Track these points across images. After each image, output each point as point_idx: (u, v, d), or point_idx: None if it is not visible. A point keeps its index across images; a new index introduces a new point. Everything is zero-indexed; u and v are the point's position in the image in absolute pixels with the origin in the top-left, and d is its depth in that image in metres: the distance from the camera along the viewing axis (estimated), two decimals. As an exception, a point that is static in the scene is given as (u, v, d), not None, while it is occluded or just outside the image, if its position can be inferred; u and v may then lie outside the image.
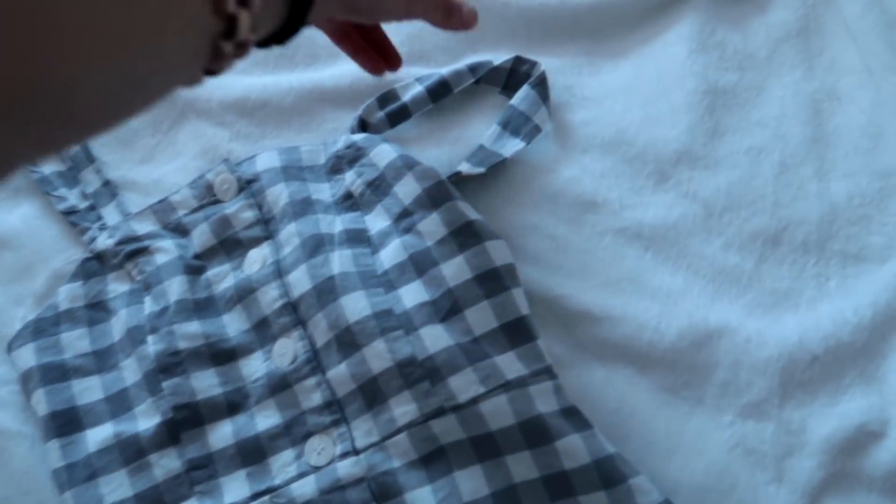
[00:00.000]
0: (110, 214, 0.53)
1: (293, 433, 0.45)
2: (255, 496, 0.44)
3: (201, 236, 0.51)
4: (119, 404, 0.47)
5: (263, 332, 0.48)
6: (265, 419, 0.46)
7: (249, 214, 0.51)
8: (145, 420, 0.45)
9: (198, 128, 0.57)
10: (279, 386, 0.46)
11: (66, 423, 0.46)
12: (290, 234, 0.49)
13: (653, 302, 0.49)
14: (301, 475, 0.44)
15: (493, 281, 0.46)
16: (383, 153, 0.51)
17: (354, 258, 0.48)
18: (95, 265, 0.51)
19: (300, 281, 0.47)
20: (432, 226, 0.48)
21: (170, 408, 0.45)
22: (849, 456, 0.45)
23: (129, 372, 0.47)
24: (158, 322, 0.47)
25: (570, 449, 0.42)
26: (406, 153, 0.51)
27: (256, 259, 0.49)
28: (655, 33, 0.59)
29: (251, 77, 0.59)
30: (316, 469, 0.44)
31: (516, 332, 0.45)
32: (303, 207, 0.50)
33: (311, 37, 0.56)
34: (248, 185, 0.52)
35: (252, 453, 0.45)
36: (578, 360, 0.48)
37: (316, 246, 0.48)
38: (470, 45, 0.59)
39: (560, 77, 0.57)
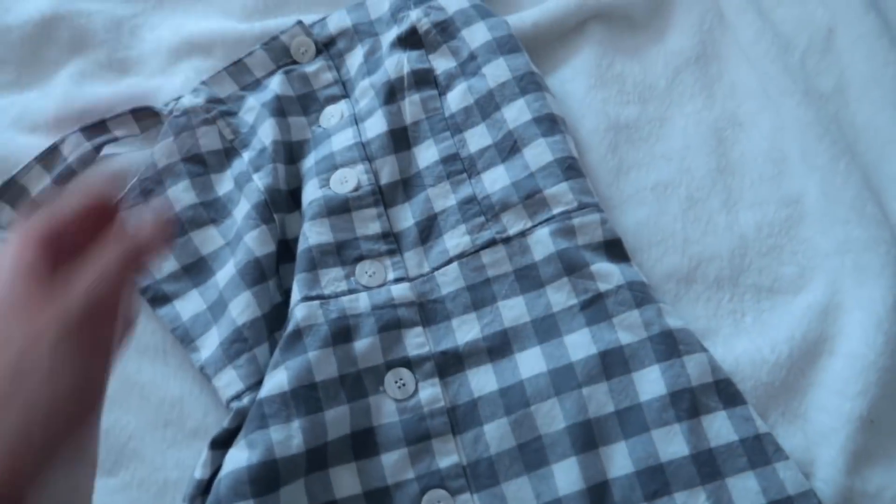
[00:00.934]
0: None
1: (343, 255, 0.49)
2: (306, 298, 0.47)
3: (281, 88, 0.54)
4: (236, 244, 0.49)
5: (323, 164, 0.51)
6: (318, 235, 0.49)
7: (328, 76, 0.55)
8: (261, 247, 0.48)
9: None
10: (337, 209, 0.49)
11: (199, 272, 0.50)
12: (366, 88, 0.54)
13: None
14: (352, 291, 0.47)
15: (551, 123, 0.50)
16: (454, 0, 0.54)
17: (423, 103, 0.52)
18: (183, 121, 0.53)
19: (375, 125, 0.52)
20: (497, 70, 0.51)
21: (277, 238, 0.49)
22: (776, 501, 0.44)
23: (240, 211, 0.50)
24: (260, 160, 0.51)
25: (604, 272, 0.47)
26: (481, 3, 0.54)
27: (334, 114, 0.54)
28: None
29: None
30: (367, 288, 0.48)
31: (569, 168, 0.49)
32: (376, 63, 0.54)
33: None
34: (325, 49, 0.56)
35: (306, 263, 0.48)
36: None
37: (390, 93, 0.52)
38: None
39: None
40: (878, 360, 0.45)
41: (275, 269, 0.49)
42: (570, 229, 0.48)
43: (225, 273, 0.49)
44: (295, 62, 0.56)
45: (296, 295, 0.47)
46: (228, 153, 0.53)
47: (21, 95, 0.59)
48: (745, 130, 0.55)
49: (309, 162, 0.52)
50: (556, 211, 0.49)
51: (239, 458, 0.42)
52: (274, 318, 0.48)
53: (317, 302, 0.47)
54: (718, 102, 0.56)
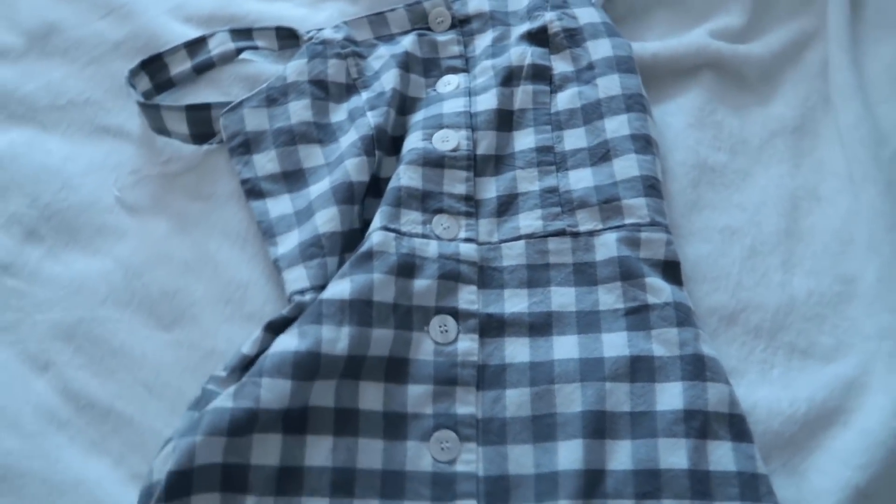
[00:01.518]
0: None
1: (426, 203, 0.53)
2: (385, 228, 0.51)
3: (411, 47, 0.59)
4: (336, 166, 0.54)
5: (430, 121, 0.56)
6: (409, 179, 0.53)
7: (456, 49, 0.60)
8: (358, 174, 0.53)
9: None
10: (432, 162, 0.54)
11: (295, 180, 0.55)
12: (486, 68, 0.58)
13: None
14: (425, 236, 0.51)
15: (646, 143, 0.54)
16: (587, 14, 0.59)
17: (534, 95, 0.56)
18: (319, 48, 0.59)
19: (486, 101, 0.56)
20: (610, 84, 0.56)
21: (373, 173, 0.54)
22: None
23: (346, 139, 0.55)
24: (377, 101, 0.56)
25: (656, 287, 0.50)
26: (611, 23, 0.59)
27: (451, 82, 0.58)
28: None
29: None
30: (439, 238, 0.52)
31: (651, 187, 0.53)
32: (502, 49, 0.59)
33: None
34: (459, 25, 0.61)
35: (393, 200, 0.52)
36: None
37: (508, 77, 0.57)
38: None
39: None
40: (888, 440, 0.47)
41: (363, 198, 0.54)
42: (636, 241, 0.51)
43: (318, 188, 0.54)
44: (429, 29, 0.61)
45: (376, 223, 0.51)
46: (349, 89, 0.58)
47: (183, -11, 0.66)
48: (821, 205, 0.57)
49: (417, 117, 0.57)
50: (628, 221, 0.52)
51: (289, 343, 0.46)
52: (349, 238, 0.52)
53: (393, 234, 0.51)
54: (803, 173, 0.59)
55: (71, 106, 0.60)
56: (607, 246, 0.51)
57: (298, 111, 0.56)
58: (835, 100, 0.60)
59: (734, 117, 0.61)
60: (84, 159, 0.58)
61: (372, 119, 0.55)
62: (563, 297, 0.50)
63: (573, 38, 0.58)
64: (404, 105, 0.58)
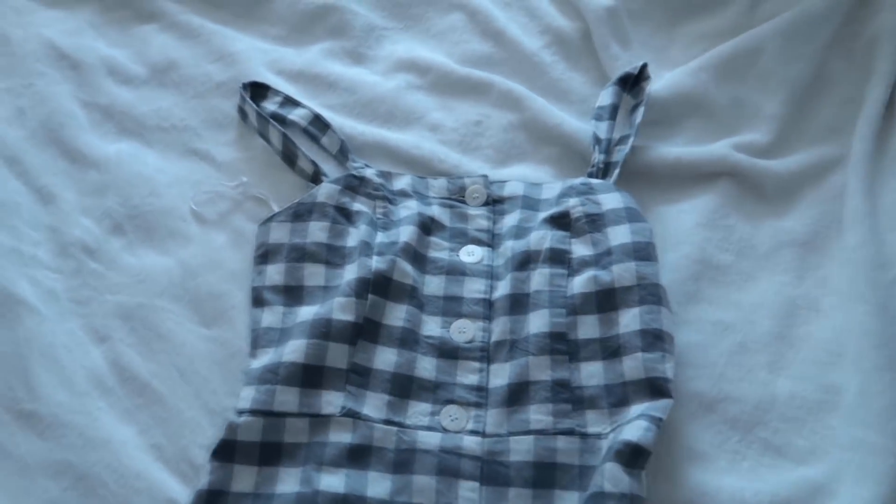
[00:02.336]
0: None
1: (438, 395, 0.54)
2: (387, 422, 0.52)
3: (439, 213, 0.63)
4: (330, 295, 0.57)
5: (451, 305, 0.58)
6: (423, 370, 0.55)
7: (485, 223, 0.63)
8: (340, 313, 0.55)
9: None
10: (447, 353, 0.56)
11: (294, 296, 0.58)
12: (507, 248, 0.60)
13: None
14: (430, 428, 0.52)
15: (656, 340, 0.54)
16: (612, 199, 0.61)
17: (551, 277, 0.57)
18: (355, 182, 0.63)
19: (503, 287, 0.58)
20: (625, 273, 0.56)
21: (362, 315, 0.55)
22: None
23: (348, 272, 0.58)
24: (388, 248, 0.59)
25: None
26: (635, 207, 0.60)
27: (475, 253, 0.61)
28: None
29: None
30: (444, 431, 0.52)
31: (657, 390, 0.52)
32: (524, 231, 0.61)
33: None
34: (493, 203, 0.64)
35: (400, 388, 0.54)
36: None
37: (523, 262, 0.59)
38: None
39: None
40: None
41: (347, 337, 0.54)
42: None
43: (306, 312, 0.56)
44: (464, 201, 0.64)
45: (377, 413, 0.52)
46: (371, 223, 0.61)
47: (281, 48, 0.77)
48: (818, 318, 0.60)
49: (439, 281, 0.59)
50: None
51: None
52: (312, 374, 0.53)
53: (395, 428, 0.52)
54: (805, 285, 0.62)
55: (172, 129, 0.71)
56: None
57: (316, 231, 0.60)
58: (846, 221, 0.63)
59: (746, 224, 0.64)
60: (172, 173, 0.67)
61: (376, 263, 0.57)
62: (567, 503, 0.49)
63: (595, 223, 0.59)
64: (415, 258, 0.59)
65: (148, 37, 0.76)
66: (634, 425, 0.50)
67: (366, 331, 0.56)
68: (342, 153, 0.67)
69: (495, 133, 0.70)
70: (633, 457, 0.48)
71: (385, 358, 0.55)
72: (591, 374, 0.54)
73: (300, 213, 0.61)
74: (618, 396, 0.53)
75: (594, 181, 0.63)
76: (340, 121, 0.70)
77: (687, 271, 0.62)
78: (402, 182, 0.65)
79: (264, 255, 0.60)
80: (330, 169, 0.67)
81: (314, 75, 0.74)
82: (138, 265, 0.62)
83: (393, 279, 0.57)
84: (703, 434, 0.55)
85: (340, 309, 0.55)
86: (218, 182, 0.66)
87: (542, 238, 0.59)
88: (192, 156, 0.69)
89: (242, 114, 0.70)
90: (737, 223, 0.65)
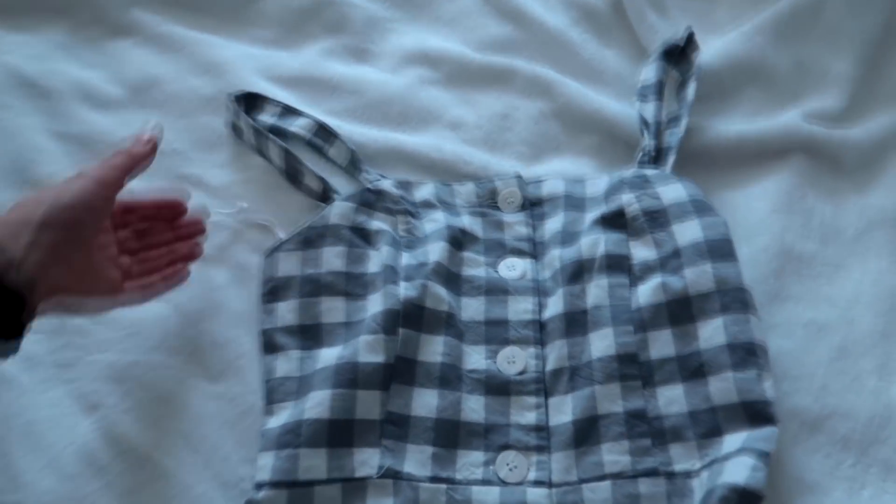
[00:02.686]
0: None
1: (490, 439, 0.46)
2: (434, 479, 0.45)
3: (471, 224, 0.55)
4: (354, 332, 0.49)
5: (495, 332, 0.50)
6: (470, 412, 0.47)
7: (524, 231, 0.55)
8: (367, 354, 0.47)
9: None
10: (497, 389, 0.48)
11: (311, 336, 0.50)
12: (554, 258, 0.52)
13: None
14: (486, 482, 0.45)
15: (746, 353, 0.45)
16: (673, 191, 0.52)
17: (611, 290, 0.49)
18: (372, 198, 0.56)
19: (555, 304, 0.50)
20: (701, 277, 0.48)
21: (393, 353, 0.47)
22: None
23: (372, 304, 0.50)
24: (415, 272, 0.51)
25: None
26: (702, 198, 0.51)
27: (516, 266, 0.53)
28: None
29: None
30: (503, 483, 0.45)
31: (757, 415, 0.44)
32: (572, 236, 0.53)
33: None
34: (531, 207, 0.56)
35: (446, 437, 0.46)
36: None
37: (576, 273, 0.50)
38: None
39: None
40: None
41: (378, 382, 0.47)
42: None
43: (328, 355, 0.48)
44: (497, 207, 0.56)
45: (422, 469, 0.45)
46: (394, 243, 0.53)
47: (274, 52, 0.69)
48: (927, 307, 0.52)
49: (479, 304, 0.51)
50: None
51: None
52: (340, 430, 0.45)
53: (444, 486, 0.45)
54: (905, 270, 0.54)
55: (158, 154, 0.63)
56: (705, 487, 0.42)
57: (331, 259, 0.52)
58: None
59: (827, 204, 0.57)
60: (160, 204, 0.60)
61: (404, 291, 0.50)
62: None
63: (656, 220, 0.51)
64: (448, 280, 0.51)
65: (124, 54, 0.69)
66: (737, 463, 0.42)
67: (399, 372, 0.48)
68: (353, 165, 0.59)
69: (525, 125, 0.63)
70: None
71: (424, 402, 0.47)
72: (670, 400, 0.46)
73: (311, 239, 0.54)
74: (707, 425, 0.45)
75: (648, 171, 0.54)
76: (348, 128, 0.63)
77: (767, 267, 0.54)
78: (425, 191, 0.57)
79: (273, 292, 0.52)
80: (341, 184, 0.59)
81: (314, 79, 0.67)
82: (128, 316, 0.54)
83: (425, 307, 0.50)
84: (811, 460, 0.47)
85: (367, 349, 0.47)
86: (213, 210, 0.58)
87: (595, 243, 0.51)
88: (182, 182, 0.61)
89: (236, 130, 0.62)
90: (816, 205, 0.57)
